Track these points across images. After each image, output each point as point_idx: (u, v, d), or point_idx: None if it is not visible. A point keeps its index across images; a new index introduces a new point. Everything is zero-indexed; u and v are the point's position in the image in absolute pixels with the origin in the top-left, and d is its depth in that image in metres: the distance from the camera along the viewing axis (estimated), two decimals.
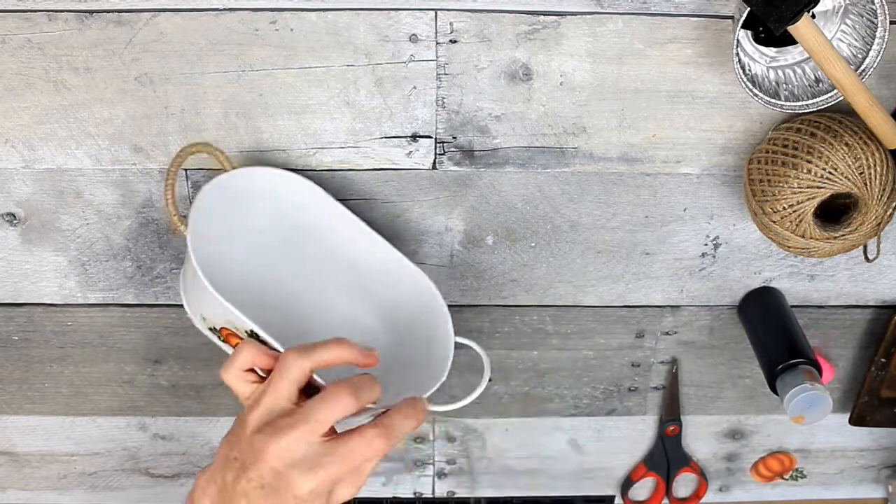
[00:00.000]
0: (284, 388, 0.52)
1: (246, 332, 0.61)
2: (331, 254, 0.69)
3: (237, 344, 0.61)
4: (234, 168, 0.65)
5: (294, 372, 0.53)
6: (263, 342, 0.60)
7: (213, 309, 0.62)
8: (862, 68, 0.61)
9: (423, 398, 0.57)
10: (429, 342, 0.68)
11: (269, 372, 0.55)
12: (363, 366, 0.56)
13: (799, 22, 0.57)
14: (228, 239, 0.68)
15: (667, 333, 0.79)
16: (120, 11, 0.60)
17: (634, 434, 0.86)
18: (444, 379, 0.64)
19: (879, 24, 0.59)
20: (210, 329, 0.65)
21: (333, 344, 0.54)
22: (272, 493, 0.50)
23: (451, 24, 0.62)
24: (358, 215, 0.70)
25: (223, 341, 0.65)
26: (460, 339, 0.66)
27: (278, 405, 0.52)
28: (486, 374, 0.64)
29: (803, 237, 0.64)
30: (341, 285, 0.70)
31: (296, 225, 0.68)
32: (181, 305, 0.74)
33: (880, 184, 0.61)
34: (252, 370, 0.56)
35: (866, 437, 0.88)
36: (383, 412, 0.55)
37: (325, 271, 0.70)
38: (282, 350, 0.57)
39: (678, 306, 0.77)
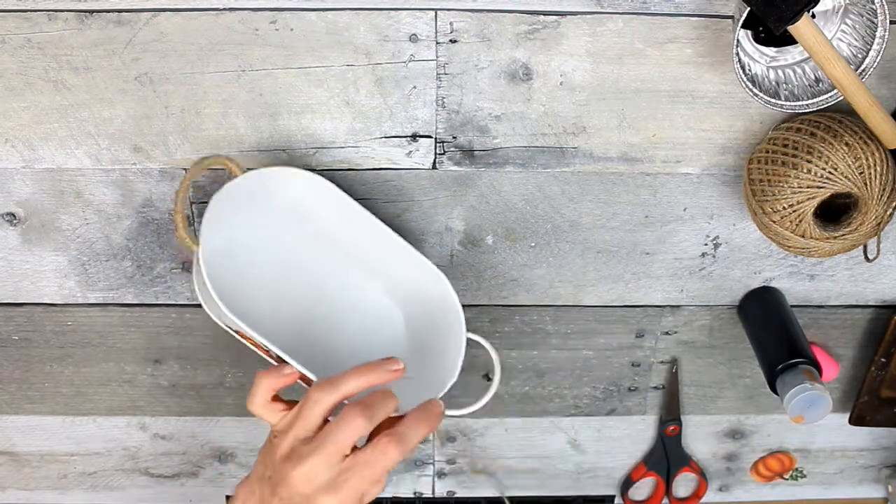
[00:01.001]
0: (311, 420, 0.56)
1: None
2: (345, 249, 0.69)
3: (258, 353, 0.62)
4: (243, 172, 0.64)
5: (321, 406, 0.56)
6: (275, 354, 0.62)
7: (225, 321, 0.63)
8: (862, 68, 0.61)
9: (439, 402, 0.59)
10: (442, 339, 0.68)
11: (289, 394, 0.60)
12: (387, 382, 0.59)
13: (799, 22, 0.57)
14: (240, 244, 0.68)
15: (667, 333, 0.79)
16: (120, 11, 0.60)
17: (634, 434, 0.86)
18: (454, 379, 0.65)
19: (879, 24, 0.59)
20: (226, 326, 0.66)
21: (355, 374, 0.58)
22: None
23: (451, 23, 0.62)
24: None
25: (239, 336, 0.66)
26: (471, 336, 0.67)
27: (304, 434, 0.56)
28: (497, 374, 0.64)
29: (803, 237, 0.64)
30: (358, 280, 0.70)
31: (308, 221, 0.68)
32: (181, 305, 0.74)
33: (880, 184, 0.61)
34: (275, 397, 0.59)
35: (866, 437, 0.88)
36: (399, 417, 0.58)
37: (341, 266, 0.70)
38: (292, 363, 0.60)
39: (678, 306, 0.77)
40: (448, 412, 0.61)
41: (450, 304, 0.66)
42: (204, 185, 0.68)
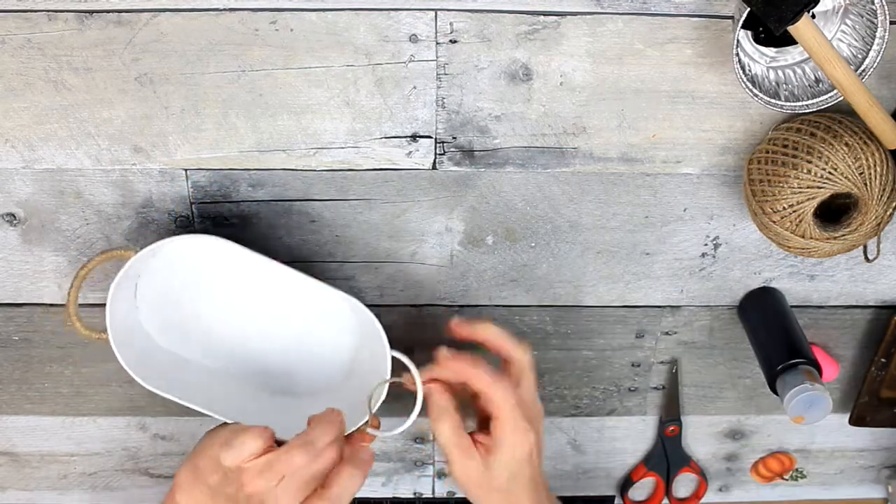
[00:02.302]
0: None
1: None
2: (260, 295, 0.70)
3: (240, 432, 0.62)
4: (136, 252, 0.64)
5: (304, 469, 0.59)
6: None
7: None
8: (862, 68, 0.61)
9: (335, 410, 0.62)
10: (367, 364, 0.69)
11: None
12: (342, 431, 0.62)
13: (799, 22, 0.57)
14: (166, 319, 0.69)
15: (667, 333, 0.79)
16: (120, 11, 0.60)
17: (634, 434, 0.86)
18: (382, 399, 0.66)
19: (879, 24, 0.59)
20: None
21: (324, 432, 0.60)
22: None
23: (451, 24, 0.62)
24: (358, 215, 0.70)
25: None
26: (395, 354, 0.66)
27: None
28: (419, 397, 0.64)
29: (803, 237, 0.64)
30: (282, 326, 0.71)
31: (215, 279, 0.69)
32: None
33: (880, 184, 0.61)
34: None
35: (866, 437, 0.88)
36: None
37: (266, 316, 0.71)
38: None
39: (678, 306, 0.77)
40: (379, 433, 0.65)
41: (370, 326, 0.67)
42: (204, 184, 0.68)
